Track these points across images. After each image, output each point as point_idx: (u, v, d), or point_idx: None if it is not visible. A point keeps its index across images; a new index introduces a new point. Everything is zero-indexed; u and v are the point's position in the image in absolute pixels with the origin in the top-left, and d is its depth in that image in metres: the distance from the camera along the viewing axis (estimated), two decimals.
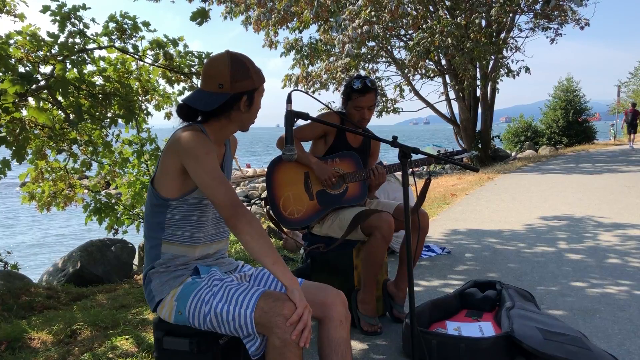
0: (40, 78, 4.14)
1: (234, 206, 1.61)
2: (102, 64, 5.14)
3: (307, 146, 3.02)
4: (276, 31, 13.64)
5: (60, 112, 4.74)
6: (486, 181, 9.84)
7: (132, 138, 5.77)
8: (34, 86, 4.04)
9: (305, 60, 14.32)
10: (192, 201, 1.76)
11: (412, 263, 1.87)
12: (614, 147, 19.26)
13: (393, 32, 13.59)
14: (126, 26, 4.88)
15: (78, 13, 4.50)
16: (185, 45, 5.17)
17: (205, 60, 4.63)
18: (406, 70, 14.43)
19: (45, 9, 4.41)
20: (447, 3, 13.70)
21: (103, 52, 5.05)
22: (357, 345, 2.63)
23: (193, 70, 5.23)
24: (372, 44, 13.74)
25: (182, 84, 5.48)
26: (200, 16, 4.45)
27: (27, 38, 4.28)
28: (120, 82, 5.05)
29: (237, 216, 1.61)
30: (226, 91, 1.72)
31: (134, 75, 5.43)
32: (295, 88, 13.80)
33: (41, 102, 4.53)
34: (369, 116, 2.88)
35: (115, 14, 4.86)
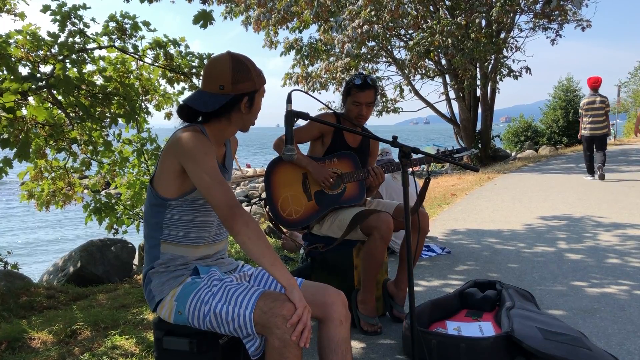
0: (40, 77, 4.15)
1: (231, 207, 1.61)
2: (102, 63, 5.15)
3: (303, 148, 3.02)
4: (276, 31, 13.64)
5: (60, 110, 4.75)
6: (486, 181, 9.84)
7: (133, 138, 5.77)
8: (34, 86, 4.05)
9: (305, 60, 14.31)
10: (191, 201, 1.76)
11: (412, 263, 1.87)
12: (614, 147, 19.23)
13: (393, 32, 13.58)
14: (126, 26, 4.89)
15: (78, 12, 4.51)
16: (187, 46, 5.19)
17: (206, 61, 4.64)
18: (406, 70, 14.42)
19: (46, 8, 4.42)
20: (447, 3, 13.69)
21: (103, 52, 5.06)
22: (357, 345, 2.63)
23: (193, 70, 5.24)
24: (372, 44, 13.73)
25: (182, 84, 5.49)
26: (203, 18, 4.42)
27: (27, 37, 4.29)
28: (120, 82, 5.06)
29: (234, 217, 1.60)
30: (227, 92, 1.72)
31: (134, 75, 5.44)
32: (295, 88, 13.78)
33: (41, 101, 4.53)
34: (366, 113, 2.88)
35: (115, 14, 4.86)
